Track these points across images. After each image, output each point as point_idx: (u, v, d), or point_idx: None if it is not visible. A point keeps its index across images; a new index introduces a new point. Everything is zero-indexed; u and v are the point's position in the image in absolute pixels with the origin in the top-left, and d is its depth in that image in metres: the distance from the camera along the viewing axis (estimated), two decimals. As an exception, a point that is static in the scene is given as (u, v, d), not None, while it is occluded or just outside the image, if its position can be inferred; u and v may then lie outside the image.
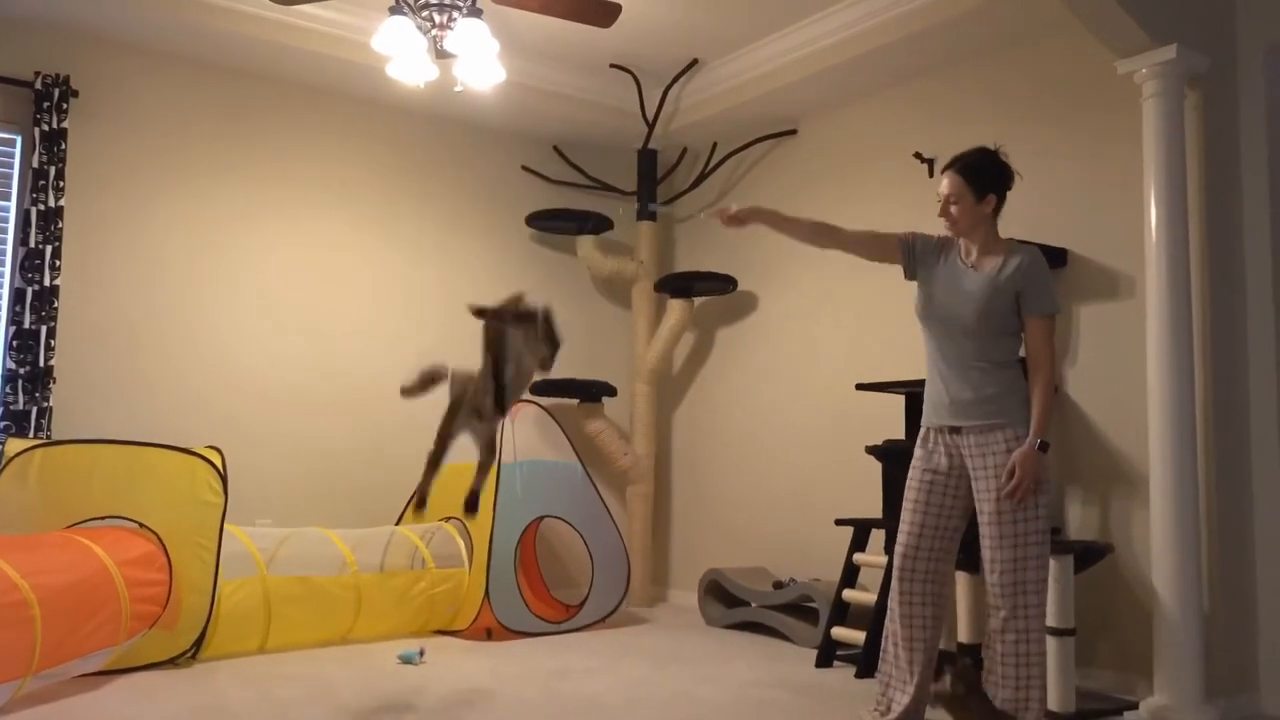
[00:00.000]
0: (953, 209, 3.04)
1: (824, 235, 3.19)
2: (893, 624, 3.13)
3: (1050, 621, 3.27)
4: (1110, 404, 3.78)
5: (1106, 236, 3.85)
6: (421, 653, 3.95)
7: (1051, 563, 3.28)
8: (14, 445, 3.77)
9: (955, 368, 3.03)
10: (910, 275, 3.20)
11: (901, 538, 3.10)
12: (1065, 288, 3.94)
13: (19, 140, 4.38)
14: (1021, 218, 4.06)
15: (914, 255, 3.15)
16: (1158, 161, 3.41)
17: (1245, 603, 3.48)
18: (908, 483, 3.12)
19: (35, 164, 4.25)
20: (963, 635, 3.69)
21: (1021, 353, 3.04)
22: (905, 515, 3.11)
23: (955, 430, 3.02)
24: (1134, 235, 3.68)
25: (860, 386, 4.28)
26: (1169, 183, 3.39)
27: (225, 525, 3.83)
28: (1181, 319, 3.35)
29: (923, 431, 3.13)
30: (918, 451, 3.13)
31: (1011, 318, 3.00)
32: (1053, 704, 3.24)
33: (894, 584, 3.12)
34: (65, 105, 4.33)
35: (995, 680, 2.93)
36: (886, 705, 3.09)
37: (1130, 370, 3.69)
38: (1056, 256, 3.90)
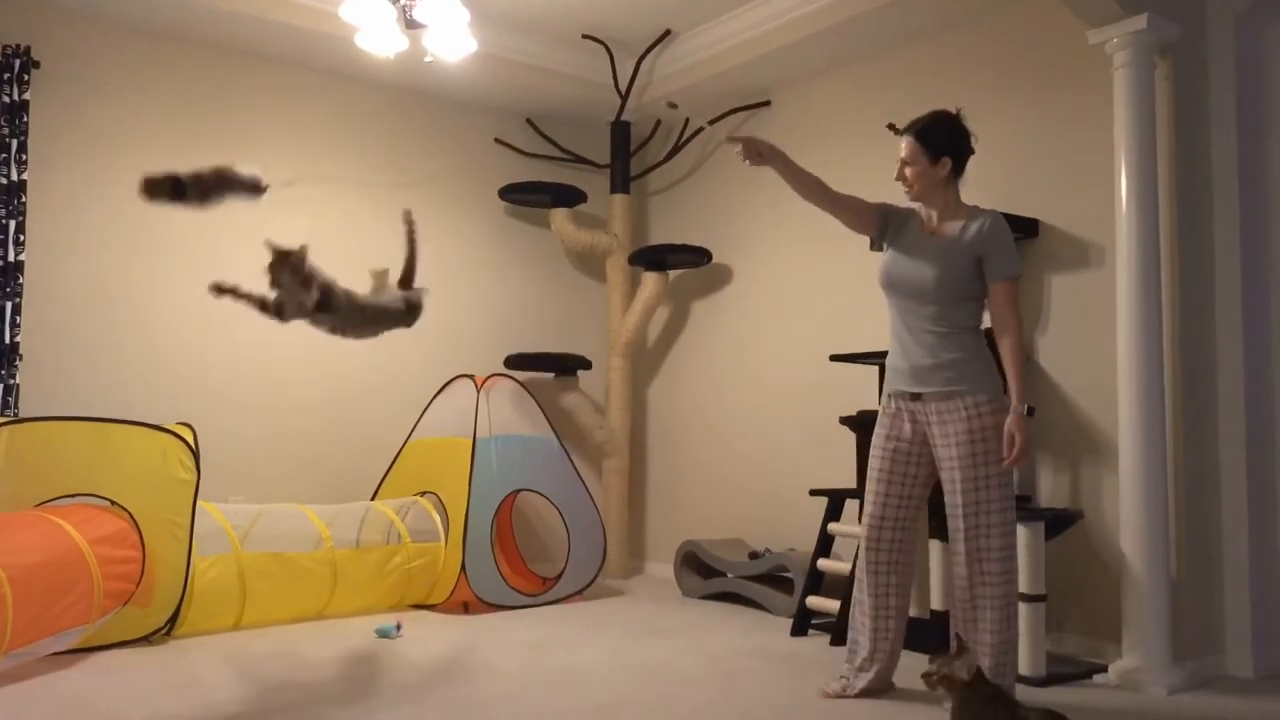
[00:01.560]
0: (907, 171, 3.06)
1: (821, 193, 3.18)
2: (861, 594, 3.16)
3: (1021, 588, 3.32)
4: (1080, 372, 3.82)
5: (1077, 206, 3.87)
6: (399, 627, 3.95)
7: (1022, 529, 3.33)
8: (-20, 423, 3.72)
9: (915, 334, 3.04)
10: (876, 247, 3.22)
11: (867, 509, 3.13)
12: (1036, 258, 3.96)
13: (-21, 113, 4.29)
14: (993, 188, 4.09)
15: (886, 226, 3.18)
16: (1128, 131, 3.43)
17: (1212, 567, 3.54)
18: (871, 453, 3.14)
19: (-4, 137, 4.16)
20: (935, 602, 3.74)
21: (985, 321, 3.06)
22: (871, 486, 3.13)
23: (916, 397, 3.04)
24: (1104, 205, 3.71)
25: (834, 358, 4.30)
26: (1139, 152, 3.41)
27: (198, 502, 3.80)
28: (1151, 288, 3.38)
29: (885, 399, 3.15)
30: (880, 420, 3.15)
31: (973, 283, 3.01)
32: (1023, 669, 3.29)
33: (861, 555, 3.15)
34: (26, 76, 4.24)
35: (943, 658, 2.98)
36: (855, 674, 3.13)
37: (1100, 339, 3.73)
38: (1027, 226, 3.92)
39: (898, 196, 3.22)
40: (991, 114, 4.14)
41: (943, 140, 3.04)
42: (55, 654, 3.40)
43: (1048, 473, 3.89)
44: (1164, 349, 3.41)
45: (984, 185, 4.12)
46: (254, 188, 2.87)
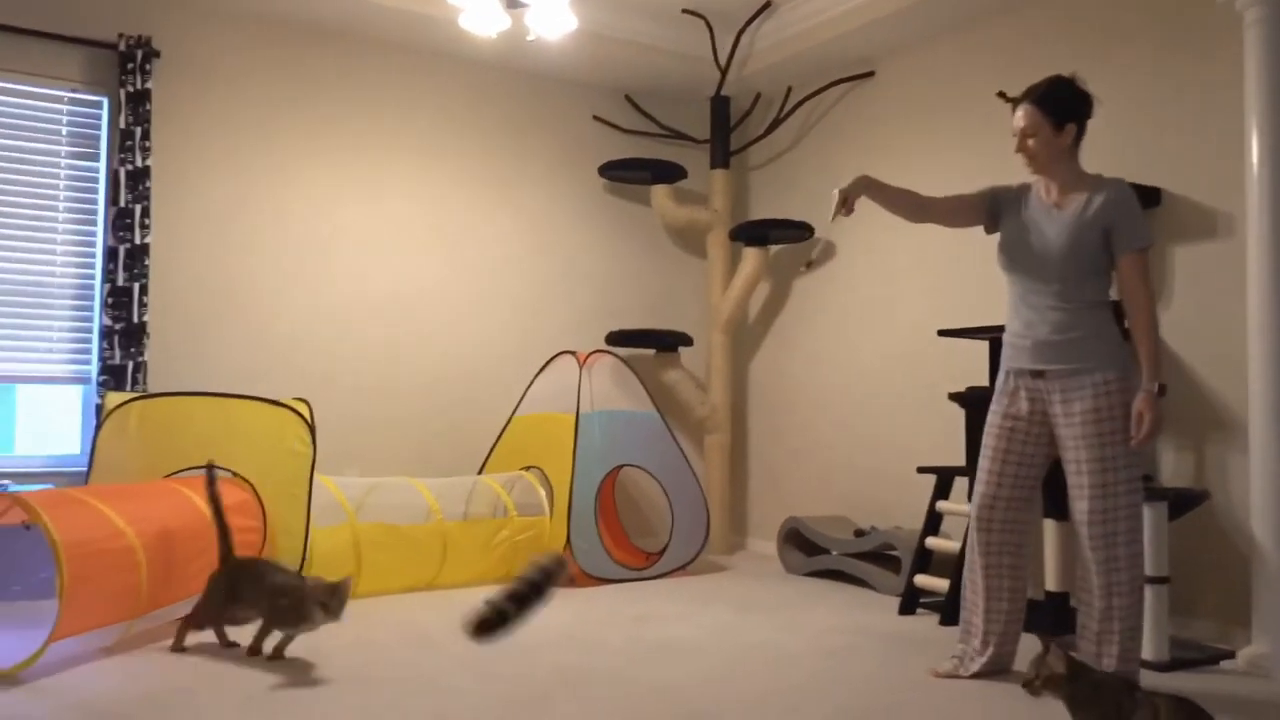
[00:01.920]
0: (1030, 143, 2.91)
1: (918, 206, 3.07)
2: (973, 575, 3.09)
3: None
4: (1206, 346, 3.65)
5: (1204, 174, 3.69)
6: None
7: (1145, 510, 3.21)
8: (113, 399, 3.91)
9: (1039, 311, 2.93)
10: (991, 229, 3.10)
11: (980, 487, 3.05)
12: (1159, 228, 3.79)
13: (105, 102, 4.49)
14: (1111, 157, 3.93)
15: (996, 209, 3.05)
16: (1260, 92, 3.25)
17: (1350, 551, 3.36)
18: (986, 430, 3.05)
19: (122, 125, 4.35)
20: (1050, 584, 3.63)
21: (1112, 294, 2.94)
22: (984, 464, 3.04)
23: (1038, 374, 2.93)
24: (1233, 172, 3.53)
25: (942, 332, 4.20)
26: (1272, 114, 3.23)
27: (314, 475, 3.93)
28: (1286, 257, 3.20)
29: (1002, 375, 3.05)
30: (997, 397, 3.05)
31: (1100, 256, 2.88)
32: (1147, 653, 3.18)
33: (973, 534, 3.07)
34: (148, 66, 4.42)
35: (1088, 634, 2.88)
36: (970, 655, 3.07)
37: (1228, 312, 3.56)
38: (1150, 196, 3.75)
39: (1008, 168, 3.13)
40: (1112, 79, 3.97)
41: (1065, 106, 2.89)
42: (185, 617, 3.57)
43: (1171, 451, 3.74)
44: (1300, 321, 3.24)
45: (1101, 155, 3.97)
46: None
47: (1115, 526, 2.82)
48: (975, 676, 3.02)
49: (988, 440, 3.04)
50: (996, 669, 3.06)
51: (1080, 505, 2.86)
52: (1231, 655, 3.30)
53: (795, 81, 5.50)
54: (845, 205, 2.98)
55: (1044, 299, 2.92)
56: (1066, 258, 2.87)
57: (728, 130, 5.69)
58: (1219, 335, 3.61)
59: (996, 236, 3.09)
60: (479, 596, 4.06)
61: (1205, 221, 3.68)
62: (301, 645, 3.29)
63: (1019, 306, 3.00)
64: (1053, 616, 3.57)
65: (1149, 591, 3.18)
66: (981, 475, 3.05)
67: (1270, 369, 3.19)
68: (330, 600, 3.03)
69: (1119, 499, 2.81)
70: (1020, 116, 2.93)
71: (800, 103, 5.44)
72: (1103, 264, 2.90)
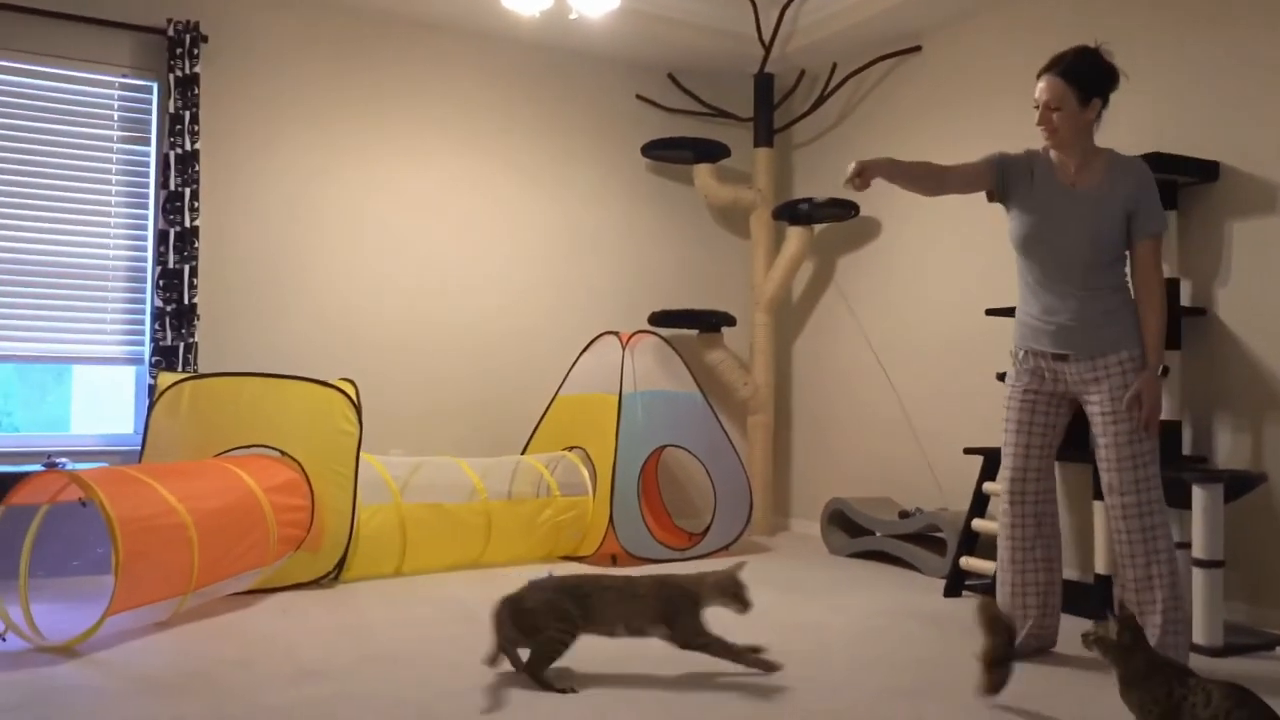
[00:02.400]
0: (1054, 116, 2.82)
1: (932, 178, 2.97)
2: (1008, 551, 3.05)
3: (1198, 553, 3.15)
4: (1265, 325, 3.56)
5: (1263, 146, 3.58)
6: (550, 576, 4.04)
7: (1199, 492, 3.15)
8: (165, 379, 3.98)
9: (1059, 295, 2.87)
10: (997, 198, 3.00)
11: (1009, 460, 3.02)
12: (1215, 203, 3.70)
13: (155, 86, 4.54)
14: (1168, 129, 3.83)
15: (1004, 176, 2.96)
16: (1326, 61, 3.14)
17: None
18: (1008, 404, 3.03)
19: (171, 109, 4.40)
20: (1100, 566, 3.58)
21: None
22: (1010, 438, 3.02)
23: (1060, 358, 2.90)
24: (1296, 144, 3.42)
25: (990, 311, 4.13)
26: (1339, 84, 3.12)
27: (361, 454, 3.98)
28: (1350, 232, 3.10)
29: (1019, 355, 3.01)
30: (1014, 371, 3.02)
31: (1121, 242, 2.85)
32: (1200, 638, 3.12)
33: (1006, 509, 3.04)
34: (196, 51, 4.46)
35: (1129, 605, 2.85)
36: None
37: (1289, 289, 3.46)
38: (1207, 170, 3.66)
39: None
40: (1160, 52, 3.86)
41: (1092, 79, 2.81)
42: (236, 594, 3.64)
43: (1226, 432, 3.66)
44: (1364, 299, 3.14)
45: (1155, 127, 3.87)
46: None
47: (1149, 495, 2.82)
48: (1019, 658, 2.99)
49: (1010, 414, 3.03)
50: (1038, 646, 3.03)
51: (1114, 477, 2.84)
52: (1289, 641, 3.23)
53: (840, 58, 5.42)
54: (861, 177, 2.84)
55: (1065, 285, 2.87)
56: (1091, 245, 2.82)
57: (771, 108, 5.63)
58: (1278, 313, 3.51)
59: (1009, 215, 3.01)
60: (523, 576, 4.10)
61: (1265, 196, 3.58)
62: (350, 622, 3.34)
63: (1036, 290, 2.93)
64: (1102, 598, 3.51)
65: (1203, 575, 3.12)
66: (1009, 449, 3.03)
67: (1332, 348, 3.10)
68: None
69: (1149, 468, 2.82)
70: (1045, 88, 2.83)
71: (845, 79, 5.36)
72: (1124, 247, 2.87)
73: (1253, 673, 2.95)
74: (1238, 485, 3.36)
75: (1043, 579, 3.02)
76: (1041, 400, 2.98)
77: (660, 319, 5.37)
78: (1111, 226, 2.82)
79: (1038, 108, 2.86)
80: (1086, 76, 2.81)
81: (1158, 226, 2.83)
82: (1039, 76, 2.88)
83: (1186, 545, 3.28)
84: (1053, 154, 2.93)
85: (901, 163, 2.95)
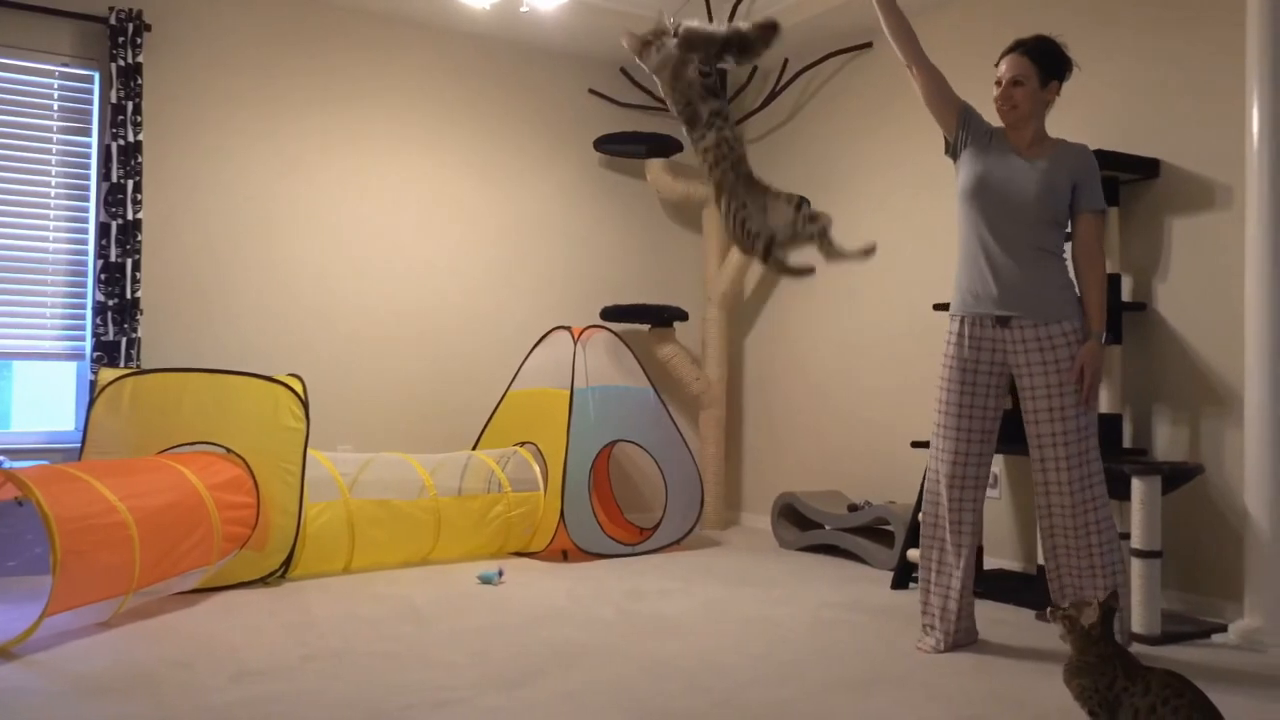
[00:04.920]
0: (1016, 91, 2.93)
1: (910, 41, 3.04)
2: (941, 536, 3.05)
3: (1136, 544, 3.22)
4: (1203, 320, 3.64)
5: (1202, 144, 3.66)
6: (500, 573, 4.03)
7: (1138, 483, 3.22)
8: (106, 375, 3.90)
9: (1006, 254, 2.93)
10: (954, 148, 3.07)
11: (948, 444, 3.01)
12: (1156, 200, 3.77)
13: (96, 76, 4.45)
14: (1110, 126, 3.89)
15: (968, 125, 3.04)
16: (1261, 64, 3.21)
17: (1343, 525, 3.36)
18: (944, 384, 3.02)
19: (113, 99, 4.31)
20: (1042, 557, 3.63)
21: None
22: (947, 421, 3.00)
23: (1002, 322, 2.93)
24: (1233, 142, 3.50)
25: (938, 307, 4.18)
26: (1273, 85, 3.19)
27: (308, 450, 3.93)
28: (1283, 230, 3.18)
29: (956, 323, 3.02)
30: (950, 350, 3.02)
31: (1065, 207, 2.94)
32: (1138, 626, 3.19)
33: (943, 493, 3.02)
34: (139, 40, 4.37)
35: (1073, 584, 2.91)
36: (938, 627, 3.06)
37: (1225, 285, 3.54)
38: (1147, 166, 3.73)
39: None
40: (1103, 49, 3.93)
41: (1053, 63, 2.96)
42: (180, 593, 3.58)
43: (1165, 425, 3.73)
44: (1296, 295, 3.22)
45: (1097, 124, 3.94)
46: None
47: (1090, 469, 2.89)
48: (954, 648, 3.04)
49: (947, 395, 3.01)
50: (967, 639, 3.07)
51: (1058, 452, 2.89)
52: (1224, 629, 3.31)
53: (792, 54, 5.45)
54: None
55: (1011, 243, 2.92)
56: (1041, 200, 2.90)
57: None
58: (1215, 308, 3.59)
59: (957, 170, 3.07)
60: (472, 571, 4.09)
61: (1203, 193, 3.66)
62: (295, 621, 3.30)
63: (981, 249, 2.96)
64: (1044, 590, 3.57)
65: (1141, 564, 3.19)
66: (945, 432, 3.01)
67: (1267, 343, 3.18)
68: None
69: (1089, 441, 2.90)
70: (1009, 66, 2.97)
71: (796, 75, 5.39)
72: (1065, 216, 2.96)
73: (1189, 659, 3.02)
74: (1176, 477, 3.43)
75: (967, 562, 3.04)
76: (981, 384, 2.97)
77: (612, 314, 5.36)
78: (1059, 188, 2.92)
79: (999, 84, 2.97)
80: (1048, 58, 2.95)
81: (1100, 202, 2.95)
82: (1002, 57, 3.00)
83: (1126, 536, 3.34)
84: (1009, 134, 3.02)
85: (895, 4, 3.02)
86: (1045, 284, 2.90)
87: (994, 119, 3.09)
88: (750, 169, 2.99)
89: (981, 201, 2.97)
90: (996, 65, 3.03)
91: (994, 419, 3.03)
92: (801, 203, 2.92)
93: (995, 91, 2.99)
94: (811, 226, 2.89)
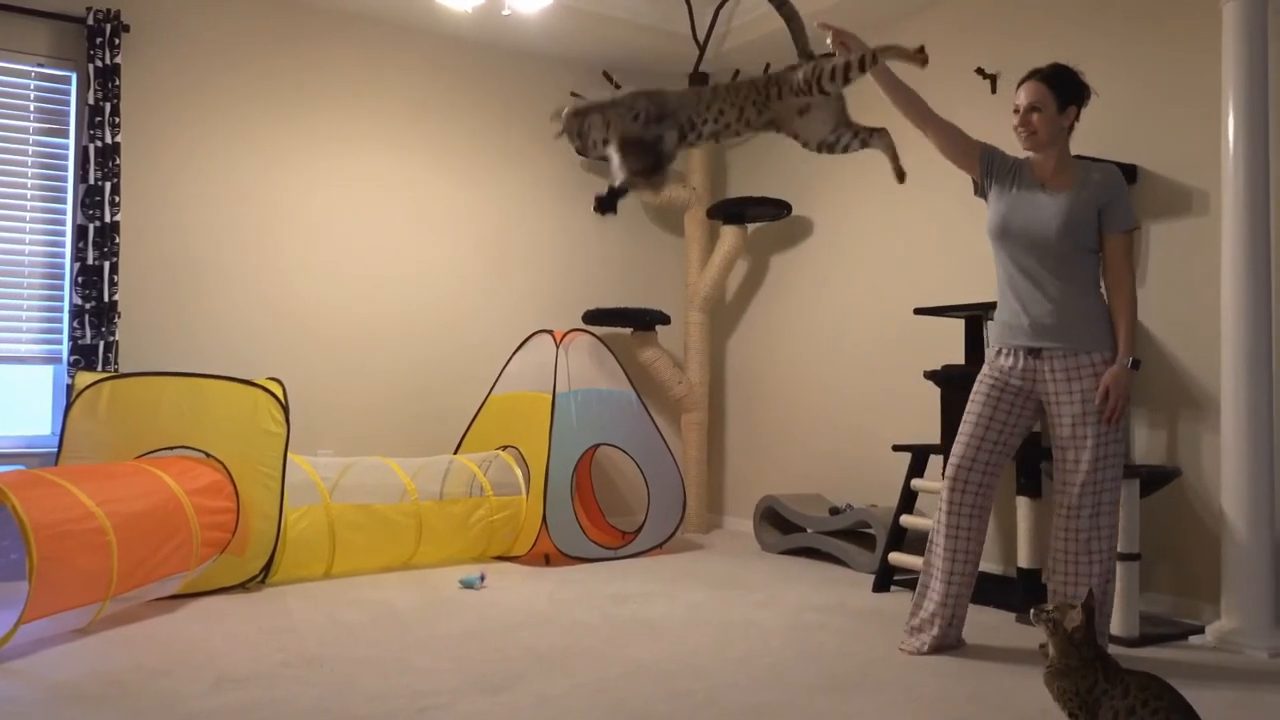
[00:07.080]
0: (1034, 117, 2.96)
1: (921, 110, 3.12)
2: (939, 539, 3.09)
3: (1114, 546, 3.23)
4: (1180, 325, 3.67)
5: (1179, 151, 3.70)
6: (482, 577, 4.02)
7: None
8: (83, 378, 3.86)
9: (1034, 288, 2.97)
10: (981, 189, 3.13)
11: (959, 448, 3.08)
12: (1135, 206, 3.80)
13: (74, 77, 4.41)
14: (1089, 134, 3.92)
15: (990, 167, 3.09)
16: (1236, 71, 3.25)
17: (1318, 527, 3.40)
18: (973, 395, 3.10)
19: (91, 101, 4.27)
20: (1022, 560, 3.66)
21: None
22: (966, 427, 3.08)
23: (1034, 353, 2.97)
24: (1209, 149, 3.54)
25: (919, 311, 4.20)
26: (1249, 92, 3.23)
27: (288, 454, 3.91)
28: (1259, 236, 3.22)
29: (993, 350, 3.09)
30: (989, 366, 3.09)
31: (1093, 234, 2.95)
32: (1116, 628, 3.21)
33: (945, 495, 3.09)
34: (117, 41, 4.34)
35: (1058, 601, 2.92)
36: (926, 623, 3.08)
37: (1202, 290, 3.57)
38: (1126, 174, 3.75)
39: (992, 142, 3.12)
40: (1087, 55, 3.96)
41: (1069, 89, 2.98)
42: (159, 599, 3.55)
43: (1143, 429, 3.77)
44: (1271, 300, 3.26)
45: (1079, 132, 3.96)
46: None
47: (1102, 499, 2.92)
48: (936, 650, 3.05)
49: (973, 405, 3.08)
50: (952, 643, 3.09)
51: (1074, 479, 2.92)
52: (1200, 630, 3.34)
53: (773, 58, 5.46)
54: (836, 37, 3.08)
55: (1040, 276, 2.96)
56: (1064, 236, 2.92)
57: (706, 108, 5.65)
58: (1192, 313, 3.63)
59: (980, 206, 3.11)
60: (454, 576, 4.07)
61: (1180, 199, 3.69)
62: (275, 626, 3.28)
63: (1013, 284, 3.03)
64: (1024, 593, 3.60)
65: (1120, 567, 3.22)
66: (962, 437, 3.08)
67: (1242, 347, 3.22)
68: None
69: (1109, 472, 2.92)
70: (1026, 94, 2.99)
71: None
72: (1094, 243, 2.96)
73: (1167, 660, 3.04)
74: (1153, 480, 3.46)
75: (964, 569, 3.06)
76: (1006, 400, 3.03)
77: (594, 317, 5.36)
78: (1084, 219, 2.93)
79: (1018, 112, 2.99)
80: (1064, 85, 2.97)
81: (1128, 223, 2.95)
82: (1019, 85, 3.02)
83: (1105, 539, 3.36)
84: (1032, 161, 3.05)
85: (891, 72, 3.09)
86: (1074, 315, 2.93)
87: (989, 129, 3.11)
88: (780, 86, 3.07)
89: (1007, 241, 3.02)
90: (1018, 87, 3.04)
91: (1012, 435, 3.05)
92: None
93: (1014, 120, 3.02)
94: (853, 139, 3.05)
